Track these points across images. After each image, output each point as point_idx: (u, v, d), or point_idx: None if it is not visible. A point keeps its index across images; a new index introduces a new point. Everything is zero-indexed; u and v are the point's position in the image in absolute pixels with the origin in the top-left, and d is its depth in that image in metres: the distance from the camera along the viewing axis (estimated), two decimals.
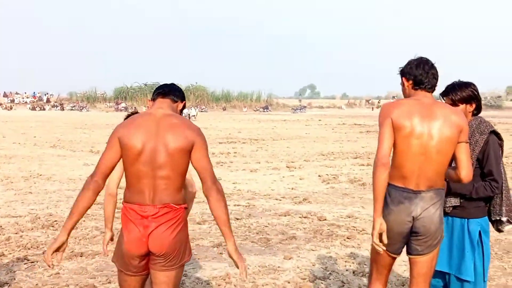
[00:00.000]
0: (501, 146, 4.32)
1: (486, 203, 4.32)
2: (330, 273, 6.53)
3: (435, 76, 3.97)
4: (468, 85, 4.31)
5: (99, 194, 3.60)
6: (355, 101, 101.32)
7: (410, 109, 3.84)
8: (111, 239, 4.59)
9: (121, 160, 3.63)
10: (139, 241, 3.55)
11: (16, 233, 8.23)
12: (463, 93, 4.26)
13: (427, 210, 3.83)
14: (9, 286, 5.93)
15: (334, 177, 14.34)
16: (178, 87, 3.93)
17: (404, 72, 4.01)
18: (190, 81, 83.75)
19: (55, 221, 9.00)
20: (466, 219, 4.25)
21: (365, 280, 6.26)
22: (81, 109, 72.22)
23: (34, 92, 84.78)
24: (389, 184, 3.85)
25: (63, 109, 73.41)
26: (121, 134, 3.57)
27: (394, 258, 4.03)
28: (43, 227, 8.63)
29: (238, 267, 3.61)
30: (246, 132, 33.05)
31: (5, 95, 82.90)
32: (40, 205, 10.45)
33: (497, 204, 4.30)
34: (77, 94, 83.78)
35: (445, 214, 4.23)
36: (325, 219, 9.30)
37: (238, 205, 10.55)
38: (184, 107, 3.93)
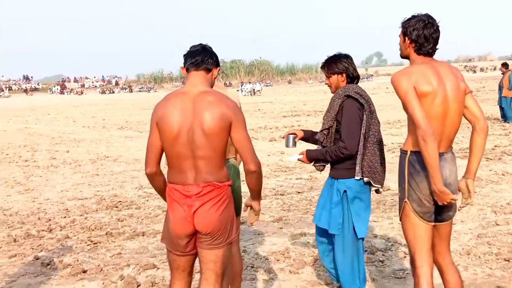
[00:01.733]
0: (365, 109, 4.51)
1: (354, 165, 4.56)
2: (392, 245, 6.36)
3: (437, 41, 3.85)
4: (339, 57, 4.68)
5: (161, 172, 3.63)
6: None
7: (425, 74, 3.73)
8: None
9: None
10: (184, 221, 3.51)
11: (81, 215, 8.40)
12: (333, 64, 4.64)
13: (451, 170, 3.83)
14: (72, 267, 6.03)
15: (400, 146, 14.00)
16: (210, 52, 3.71)
17: (408, 32, 3.84)
18: (255, 56, 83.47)
19: (119, 201, 9.14)
20: (337, 179, 4.59)
21: None
22: (149, 90, 73.46)
23: (103, 76, 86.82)
24: (413, 152, 3.77)
25: (131, 91, 74.87)
26: (158, 117, 3.52)
27: (432, 228, 3.87)
28: (107, 208, 8.77)
29: (252, 218, 3.90)
30: (311, 104, 32.77)
31: (75, 80, 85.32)
32: (105, 187, 10.65)
33: (356, 164, 4.53)
34: (144, 76, 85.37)
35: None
36: (389, 189, 9.03)
37: (300, 179, 10.43)
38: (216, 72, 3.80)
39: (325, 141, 4.63)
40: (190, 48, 3.76)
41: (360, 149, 4.49)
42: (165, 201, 3.68)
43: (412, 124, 3.72)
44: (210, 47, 3.79)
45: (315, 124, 20.30)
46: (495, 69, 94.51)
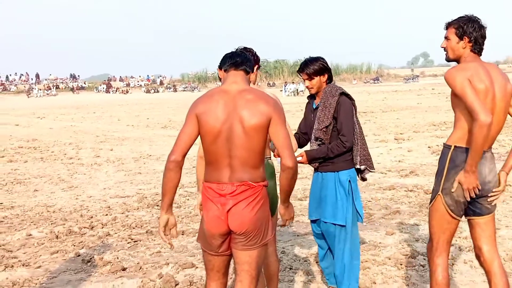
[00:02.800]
0: (354, 105, 4.84)
1: (353, 156, 4.85)
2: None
3: (485, 42, 3.98)
4: (318, 59, 4.88)
5: (182, 168, 3.51)
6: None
7: (478, 72, 3.80)
8: None
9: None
10: (217, 219, 3.48)
11: (123, 213, 8.48)
12: (315, 67, 4.82)
13: (491, 169, 3.92)
14: (112, 265, 6.08)
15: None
16: (248, 56, 3.74)
17: (467, 32, 3.91)
18: (299, 57, 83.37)
19: (160, 200, 9.17)
20: (337, 172, 4.80)
21: (471, 255, 5.91)
22: (193, 90, 73.83)
23: (148, 75, 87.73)
24: (457, 147, 3.87)
25: (175, 91, 75.43)
26: (199, 111, 3.49)
27: (458, 222, 4.02)
28: (148, 207, 8.84)
29: (282, 221, 3.79)
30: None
31: (121, 80, 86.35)
32: (147, 185, 10.74)
33: (353, 155, 4.84)
34: (188, 75, 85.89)
35: (316, 170, 4.92)
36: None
37: None
38: (255, 74, 3.81)
39: (325, 138, 4.79)
40: (228, 53, 3.78)
41: (355, 140, 4.81)
42: (163, 205, 3.54)
43: (460, 120, 3.82)
44: (251, 50, 3.81)
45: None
46: None
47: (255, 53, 4.53)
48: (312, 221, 5.06)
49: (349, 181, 4.81)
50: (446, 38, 4.00)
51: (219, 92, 3.57)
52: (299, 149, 4.98)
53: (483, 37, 3.94)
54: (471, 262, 5.72)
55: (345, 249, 4.81)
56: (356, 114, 4.88)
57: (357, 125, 4.86)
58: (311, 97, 5.08)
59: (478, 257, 4.16)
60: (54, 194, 10.18)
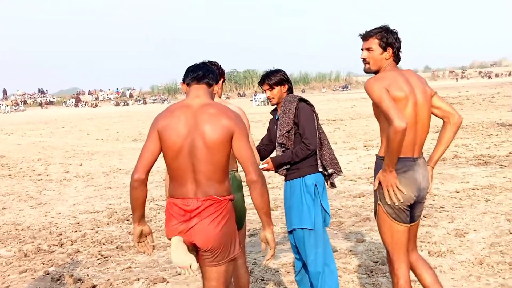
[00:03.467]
0: (314, 111, 4.90)
1: (316, 161, 4.87)
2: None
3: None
4: (279, 71, 5.01)
5: (147, 184, 3.50)
6: (437, 72, 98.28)
7: (397, 80, 3.88)
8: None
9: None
10: (179, 234, 3.45)
11: (92, 229, 8.40)
12: (276, 78, 4.94)
13: (424, 175, 3.98)
14: (82, 282, 6.02)
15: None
16: (211, 67, 3.72)
17: (390, 43, 3.98)
18: (268, 66, 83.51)
19: (131, 214, 9.09)
20: (303, 177, 4.82)
21: (440, 260, 5.98)
22: (163, 102, 73.62)
23: (117, 88, 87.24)
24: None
25: (145, 103, 75.17)
26: (160, 127, 3.47)
27: (408, 229, 4.03)
28: (118, 222, 8.77)
29: (268, 255, 3.64)
30: (324, 112, 32.64)
31: (90, 93, 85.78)
32: (117, 200, 10.66)
33: (317, 159, 4.86)
34: (158, 87, 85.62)
35: (286, 179, 4.94)
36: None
37: None
38: (219, 87, 3.82)
39: (288, 143, 4.84)
40: (190, 66, 3.76)
41: (318, 145, 4.84)
42: (135, 218, 3.59)
43: (385, 130, 3.84)
44: (214, 65, 3.81)
45: (328, 133, 20.15)
46: (510, 74, 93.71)
47: (220, 66, 4.56)
48: (289, 233, 5.00)
49: (315, 185, 4.83)
50: (368, 49, 4.00)
51: (181, 107, 3.55)
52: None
53: (401, 45, 4.03)
54: (440, 267, 5.78)
55: (317, 255, 4.79)
56: (318, 120, 4.94)
57: (320, 130, 4.93)
58: (274, 110, 5.17)
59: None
60: (22, 212, 10.04)
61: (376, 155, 4.05)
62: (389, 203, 3.89)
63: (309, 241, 4.80)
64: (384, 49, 3.97)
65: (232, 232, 3.56)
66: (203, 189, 3.44)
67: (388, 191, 3.86)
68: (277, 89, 4.95)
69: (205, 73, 3.64)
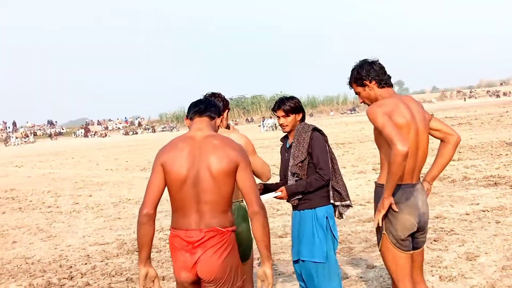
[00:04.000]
0: (326, 141, 4.88)
1: (328, 192, 4.84)
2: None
3: (386, 72, 4.13)
4: (293, 98, 4.99)
5: (155, 220, 3.56)
6: (445, 93, 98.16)
7: (398, 107, 3.94)
8: None
9: None
10: (186, 268, 3.51)
11: (102, 261, 8.40)
12: (292, 105, 4.92)
13: (423, 200, 4.06)
14: None
15: (422, 176, 13.82)
16: (213, 102, 3.82)
17: (363, 77, 4.09)
18: (275, 91, 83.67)
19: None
20: (314, 209, 4.78)
21: (451, 285, 5.93)
22: (172, 129, 73.88)
23: (126, 118, 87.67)
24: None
25: (154, 131, 75.43)
26: (164, 160, 3.54)
27: (410, 256, 4.09)
28: (127, 253, 8.76)
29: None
30: (333, 136, 32.61)
31: (99, 123, 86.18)
32: (127, 230, 10.66)
33: (329, 190, 4.84)
34: (166, 115, 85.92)
35: (295, 208, 4.90)
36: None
37: None
38: (224, 119, 3.87)
39: (301, 173, 4.81)
40: (192, 102, 3.82)
41: (331, 175, 4.84)
42: (142, 258, 3.58)
43: (387, 158, 3.89)
44: (213, 99, 3.86)
45: (337, 157, 20.05)
46: None
47: (224, 97, 4.61)
48: (294, 262, 5.00)
49: (326, 217, 4.82)
50: (357, 93, 4.19)
51: (184, 139, 3.63)
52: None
53: (378, 70, 4.08)
54: None
55: (331, 284, 4.78)
56: (330, 149, 4.95)
57: (333, 160, 4.93)
58: (285, 138, 5.14)
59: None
60: (32, 245, 10.06)
61: (375, 182, 4.11)
62: (380, 225, 3.96)
63: (323, 274, 4.77)
64: (363, 86, 4.11)
65: (235, 263, 3.61)
66: (206, 221, 3.49)
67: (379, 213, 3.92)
68: (292, 117, 4.94)
69: (207, 107, 3.72)
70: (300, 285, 5.08)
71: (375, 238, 8.13)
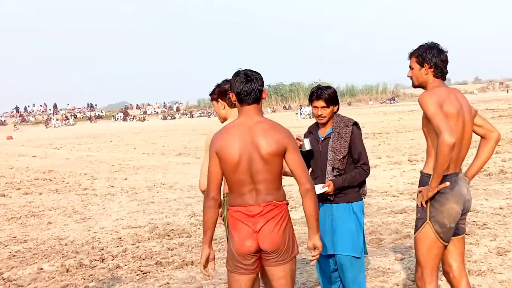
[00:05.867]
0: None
1: (362, 187, 4.86)
2: (442, 274, 6.16)
3: (447, 66, 4.16)
4: (331, 87, 4.89)
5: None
6: (487, 84, 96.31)
7: (450, 97, 4.01)
8: None
9: None
10: (251, 236, 3.72)
11: (133, 244, 8.51)
12: (333, 96, 4.83)
13: (467, 188, 4.13)
14: None
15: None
16: (256, 79, 3.81)
17: (426, 59, 4.11)
18: (314, 79, 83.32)
19: (172, 230, 9.22)
20: (351, 203, 4.76)
21: (480, 280, 5.85)
22: (209, 115, 74.16)
23: (165, 102, 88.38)
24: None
25: (192, 117, 75.86)
26: (218, 147, 3.77)
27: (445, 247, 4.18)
28: (159, 237, 8.86)
29: (315, 257, 3.87)
30: (370, 126, 32.40)
31: (138, 107, 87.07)
32: (159, 215, 10.77)
33: (365, 185, 4.88)
34: (204, 101, 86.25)
35: (325, 201, 4.77)
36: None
37: None
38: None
39: (342, 168, 4.76)
40: (234, 78, 3.83)
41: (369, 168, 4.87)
42: (206, 239, 3.86)
43: (433, 147, 3.98)
44: (255, 74, 3.84)
45: (373, 147, 20.00)
46: None
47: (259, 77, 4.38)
48: (326, 256, 4.84)
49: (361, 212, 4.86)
50: (410, 67, 4.21)
51: (236, 125, 3.83)
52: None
53: (443, 61, 4.12)
54: (479, 286, 5.67)
55: (361, 279, 4.84)
56: None
57: None
58: (314, 127, 5.03)
59: (447, 273, 4.35)
60: (67, 227, 10.24)
61: (421, 171, 4.16)
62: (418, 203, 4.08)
63: (356, 267, 4.79)
64: (421, 66, 4.13)
65: (291, 233, 3.84)
66: (262, 197, 3.75)
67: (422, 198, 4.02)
68: (331, 108, 4.84)
69: (252, 92, 3.79)
70: (321, 282, 5.05)
71: (406, 230, 8.15)
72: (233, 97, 3.87)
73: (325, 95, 4.79)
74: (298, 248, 3.92)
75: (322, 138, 4.89)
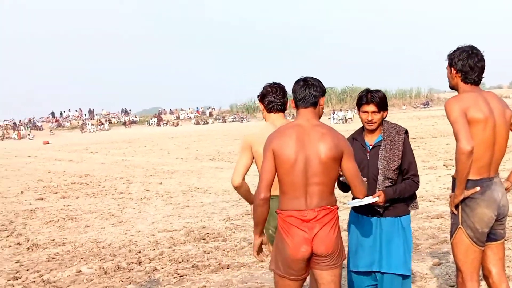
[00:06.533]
0: None
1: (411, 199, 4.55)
2: (481, 279, 6.10)
3: (483, 69, 4.06)
4: (380, 91, 4.50)
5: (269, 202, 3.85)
6: None
7: (477, 102, 3.95)
8: None
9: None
10: (306, 242, 3.74)
11: (170, 247, 8.58)
12: (384, 101, 4.47)
13: (502, 192, 4.08)
14: None
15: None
16: (313, 86, 3.91)
17: (452, 63, 4.08)
18: (345, 83, 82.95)
19: (207, 233, 9.27)
20: (399, 217, 4.43)
21: None
22: (242, 120, 74.45)
23: (197, 107, 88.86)
24: (468, 180, 3.97)
25: (224, 122, 76.15)
26: (275, 145, 3.80)
27: (482, 251, 4.14)
28: (194, 240, 8.92)
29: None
30: None
31: (171, 112, 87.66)
32: (194, 218, 10.84)
33: (415, 197, 4.57)
34: (237, 105, 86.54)
35: (375, 214, 4.43)
36: None
37: None
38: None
39: (394, 178, 4.41)
40: (296, 82, 3.97)
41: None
42: (257, 231, 3.97)
43: None
44: (313, 81, 3.94)
45: None
46: None
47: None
48: (364, 273, 4.50)
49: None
50: (447, 69, 4.21)
51: (292, 126, 3.89)
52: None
53: (472, 67, 4.02)
54: None
55: None
56: None
57: None
58: (358, 135, 4.64)
59: (486, 278, 4.32)
60: (104, 230, 10.38)
61: (452, 176, 4.15)
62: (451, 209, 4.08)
63: (405, 286, 4.47)
64: (451, 68, 4.12)
65: (341, 238, 3.89)
66: (316, 201, 3.77)
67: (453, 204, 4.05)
68: (381, 113, 4.46)
69: (308, 96, 3.89)
70: None
71: (443, 235, 8.08)
72: (292, 103, 4.00)
73: (376, 99, 4.42)
74: (345, 254, 3.96)
75: (370, 147, 4.52)
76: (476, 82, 4.08)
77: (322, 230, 3.74)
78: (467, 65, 4.02)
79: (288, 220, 3.78)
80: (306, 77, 3.95)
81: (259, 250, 4.08)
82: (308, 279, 4.38)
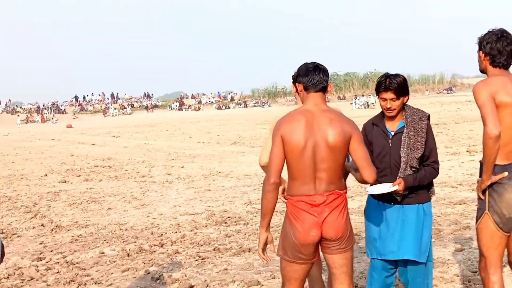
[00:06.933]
0: None
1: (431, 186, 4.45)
2: (504, 265, 6.06)
3: (509, 55, 3.98)
4: (401, 76, 4.33)
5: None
6: None
7: (505, 86, 3.89)
8: None
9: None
10: (316, 226, 3.75)
11: (191, 230, 8.64)
12: (403, 87, 4.28)
13: None
14: (180, 282, 6.22)
15: None
16: (324, 71, 3.89)
17: (481, 46, 4.02)
18: (368, 69, 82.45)
19: (229, 217, 9.32)
20: (422, 204, 4.35)
21: None
22: (263, 105, 74.39)
23: (219, 92, 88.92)
24: (496, 165, 3.91)
25: (246, 106, 76.18)
26: (283, 131, 3.78)
27: (507, 237, 4.09)
28: (216, 224, 8.97)
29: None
30: None
31: (193, 97, 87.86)
32: (216, 202, 10.89)
33: (433, 184, 4.46)
34: (258, 90, 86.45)
35: (396, 202, 4.32)
36: None
37: None
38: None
39: (418, 166, 4.30)
40: (303, 66, 3.93)
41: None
42: (264, 223, 3.84)
43: None
44: (323, 66, 3.94)
45: None
46: None
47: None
48: (386, 261, 4.45)
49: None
50: (477, 52, 4.14)
51: (302, 111, 3.86)
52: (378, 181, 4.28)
53: (501, 50, 3.95)
54: None
55: (430, 283, 4.48)
56: None
57: None
58: (379, 121, 4.47)
59: (511, 264, 4.34)
60: (126, 212, 10.47)
61: (480, 161, 4.10)
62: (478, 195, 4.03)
63: (426, 273, 4.41)
64: (480, 51, 4.07)
65: (350, 221, 3.93)
66: (325, 186, 3.78)
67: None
68: (401, 99, 4.28)
69: (321, 80, 3.85)
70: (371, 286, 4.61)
71: (465, 221, 8.04)
72: (299, 86, 3.91)
73: (394, 85, 4.23)
74: (354, 237, 3.96)
75: (392, 133, 4.37)
76: (505, 65, 4.01)
77: (331, 215, 3.76)
78: (495, 48, 3.96)
79: (298, 205, 3.78)
80: (315, 62, 3.92)
81: (265, 247, 3.90)
82: (308, 279, 4.46)
